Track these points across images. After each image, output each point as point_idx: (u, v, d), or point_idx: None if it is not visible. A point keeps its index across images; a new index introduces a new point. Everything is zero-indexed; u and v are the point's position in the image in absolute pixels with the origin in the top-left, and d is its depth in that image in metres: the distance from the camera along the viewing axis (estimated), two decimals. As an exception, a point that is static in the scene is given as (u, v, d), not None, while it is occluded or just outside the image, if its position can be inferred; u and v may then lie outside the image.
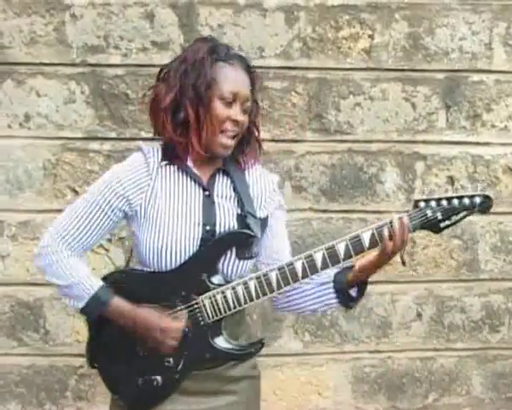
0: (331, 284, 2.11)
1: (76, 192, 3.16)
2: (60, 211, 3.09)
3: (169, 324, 2.01)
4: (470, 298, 3.41)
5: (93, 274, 2.07)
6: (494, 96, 3.33)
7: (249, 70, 2.11)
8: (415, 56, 3.28)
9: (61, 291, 2.09)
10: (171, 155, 2.10)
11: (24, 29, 3.12)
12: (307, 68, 3.24)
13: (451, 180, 3.35)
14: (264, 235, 2.17)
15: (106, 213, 2.06)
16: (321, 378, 3.35)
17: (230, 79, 2.04)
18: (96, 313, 2.05)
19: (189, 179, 2.10)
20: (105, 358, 2.13)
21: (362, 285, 2.12)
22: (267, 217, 2.17)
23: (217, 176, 2.13)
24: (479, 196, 2.04)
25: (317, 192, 3.28)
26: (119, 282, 2.09)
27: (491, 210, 3.33)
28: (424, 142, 3.33)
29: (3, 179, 3.15)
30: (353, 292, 2.12)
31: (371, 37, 3.26)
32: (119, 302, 2.03)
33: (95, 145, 3.18)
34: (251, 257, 2.11)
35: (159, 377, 2.06)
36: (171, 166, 2.10)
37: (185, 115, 2.05)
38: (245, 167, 2.17)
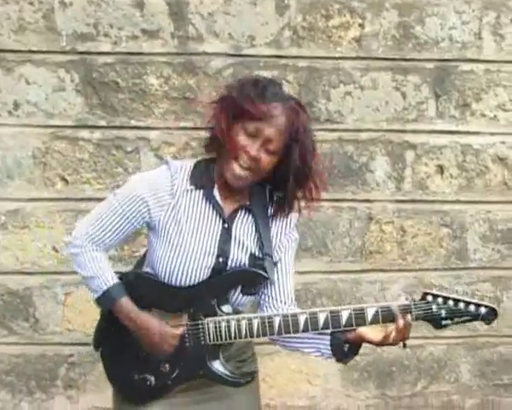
0: (328, 337, 2.16)
1: (66, 181, 3.16)
2: (50, 200, 3.15)
3: (168, 329, 2.11)
4: (459, 286, 3.42)
5: (111, 271, 2.17)
6: (484, 86, 3.34)
7: (291, 112, 2.09)
8: (405, 45, 3.28)
9: (84, 280, 2.21)
10: (200, 179, 2.15)
11: (12, 16, 3.09)
12: (298, 57, 3.24)
13: (441, 169, 3.36)
14: (275, 272, 2.23)
15: (129, 220, 2.16)
16: (311, 366, 3.36)
17: (257, 117, 2.03)
18: (106, 307, 2.17)
19: (211, 208, 2.15)
20: (109, 346, 2.25)
21: (356, 346, 2.18)
22: (278, 261, 2.23)
23: (240, 211, 2.18)
24: (485, 307, 2.08)
25: (307, 181, 3.28)
26: (132, 283, 2.19)
27: (481, 199, 3.41)
28: (414, 131, 3.33)
29: (-7, 168, 3.15)
30: (345, 348, 2.17)
31: (361, 26, 3.26)
32: (126, 303, 2.13)
33: (85, 133, 3.16)
34: (254, 294, 2.20)
35: (152, 378, 2.16)
36: (197, 191, 2.15)
37: (217, 130, 2.09)
38: (268, 206, 2.21)
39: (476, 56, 3.33)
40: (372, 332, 2.12)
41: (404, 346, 2.14)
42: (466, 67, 3.33)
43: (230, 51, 3.19)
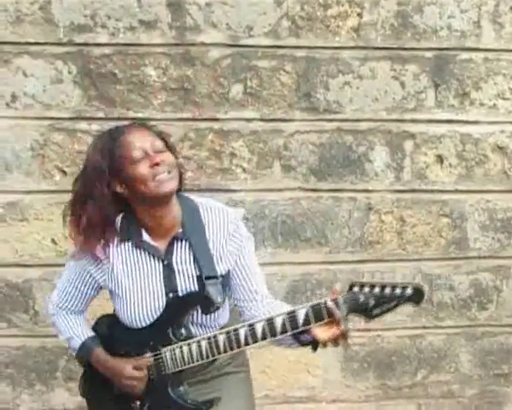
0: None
1: (64, 173, 3.15)
2: (48, 192, 3.14)
3: (132, 373, 2.23)
4: (459, 276, 3.43)
5: (85, 328, 2.40)
6: (483, 75, 3.33)
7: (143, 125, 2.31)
8: (403, 35, 3.27)
9: (66, 343, 2.45)
10: (126, 232, 2.24)
11: (9, 8, 3.08)
12: (296, 47, 3.22)
13: (440, 159, 3.35)
14: (236, 277, 2.30)
15: (82, 291, 2.36)
16: (310, 357, 3.36)
17: (132, 144, 2.15)
18: (85, 360, 2.37)
19: (146, 253, 2.24)
20: (92, 391, 2.44)
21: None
22: (229, 271, 2.28)
23: (174, 243, 2.24)
24: (412, 288, 2.07)
25: (306, 171, 3.28)
26: (103, 332, 2.39)
27: (480, 188, 3.40)
28: (413, 120, 3.32)
29: (-9, 160, 3.14)
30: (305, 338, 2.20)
31: (360, 15, 3.24)
32: (98, 353, 2.33)
33: (83, 125, 3.16)
34: (217, 309, 2.23)
35: None
36: (127, 243, 2.25)
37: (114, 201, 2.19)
38: (200, 212, 2.28)
39: (475, 45, 3.31)
40: (320, 332, 2.11)
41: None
42: (465, 55, 3.32)
43: (228, 42, 3.17)
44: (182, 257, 2.24)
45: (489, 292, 3.46)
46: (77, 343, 2.36)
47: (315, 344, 2.15)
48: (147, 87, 3.15)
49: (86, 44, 3.12)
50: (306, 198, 3.29)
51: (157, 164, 2.13)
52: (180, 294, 2.22)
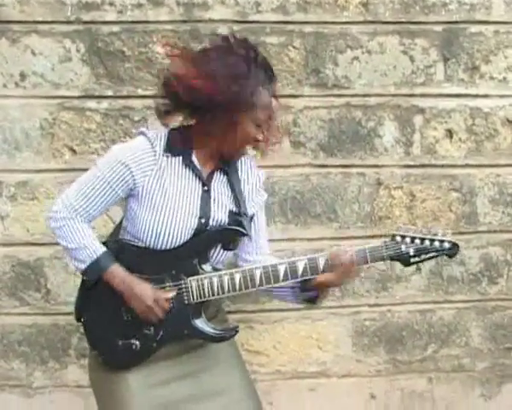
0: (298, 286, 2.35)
1: (74, 151, 3.16)
2: (58, 170, 3.15)
3: (160, 293, 2.20)
4: (469, 250, 3.43)
5: (97, 241, 2.25)
6: (493, 48, 3.31)
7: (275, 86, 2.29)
8: (412, 9, 3.25)
9: (68, 253, 2.27)
10: (177, 146, 2.25)
11: (17, -13, 3.08)
12: (304, 23, 3.21)
13: (450, 133, 3.34)
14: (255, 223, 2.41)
15: (113, 188, 2.22)
16: (321, 332, 3.38)
17: (266, 106, 2.20)
18: (94, 277, 2.24)
19: (191, 172, 2.26)
20: (91, 315, 2.33)
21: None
22: (253, 215, 2.38)
23: (216, 173, 2.31)
24: (448, 242, 2.29)
25: (315, 147, 3.28)
26: (115, 250, 2.27)
27: (490, 162, 3.39)
28: (422, 95, 3.31)
29: (1, 140, 3.14)
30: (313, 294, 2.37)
31: (368, -11, 3.23)
32: (118, 269, 2.22)
33: (92, 104, 3.16)
34: (234, 249, 2.34)
35: (137, 343, 2.25)
36: (176, 158, 2.25)
37: (211, 118, 2.17)
38: (237, 162, 2.36)
39: (485, 18, 3.29)
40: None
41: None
42: (475, 29, 3.29)
43: (236, 18, 3.16)
44: (221, 188, 2.31)
45: (499, 266, 3.46)
46: (87, 255, 2.21)
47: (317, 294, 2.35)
48: (155, 64, 3.14)
49: (94, 22, 3.12)
50: (316, 174, 3.29)
51: (262, 141, 2.25)
52: (211, 222, 2.25)
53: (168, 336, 2.24)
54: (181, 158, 2.25)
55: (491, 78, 3.32)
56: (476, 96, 3.33)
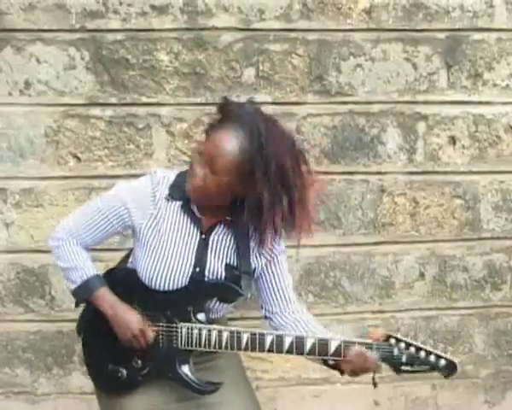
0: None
1: (78, 159, 3.17)
2: (63, 178, 3.16)
3: (147, 326, 2.20)
4: (472, 257, 3.43)
5: (91, 263, 2.30)
6: (495, 55, 3.31)
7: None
8: (415, 16, 3.26)
9: (62, 272, 2.33)
10: (178, 190, 2.23)
11: (22, -5, 3.09)
12: (307, 30, 3.22)
13: (453, 140, 3.35)
14: (266, 279, 2.34)
15: (108, 219, 2.26)
16: (325, 339, 3.38)
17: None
18: (83, 297, 2.28)
19: (189, 219, 2.24)
20: (90, 333, 2.37)
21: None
22: (256, 269, 2.30)
23: (219, 225, 2.26)
24: (445, 359, 2.12)
25: (318, 154, 3.28)
26: (121, 277, 2.32)
27: (493, 169, 3.39)
28: (425, 102, 3.32)
29: (5, 147, 3.15)
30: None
31: (371, -3, 3.24)
32: (106, 294, 2.24)
33: (96, 111, 3.17)
34: (232, 302, 2.30)
35: (124, 372, 2.26)
36: (176, 202, 2.24)
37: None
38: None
39: (488, 25, 3.30)
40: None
41: (375, 385, 2.23)
42: (477, 36, 3.30)
43: (240, 25, 3.17)
44: (221, 240, 2.26)
45: (502, 273, 3.46)
46: (78, 276, 2.25)
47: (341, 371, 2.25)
48: (159, 72, 3.16)
49: (98, 30, 3.13)
50: (319, 181, 3.29)
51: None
52: (206, 272, 2.22)
53: (153, 373, 2.25)
54: (180, 203, 2.24)
55: (494, 85, 3.33)
56: (479, 103, 3.34)
